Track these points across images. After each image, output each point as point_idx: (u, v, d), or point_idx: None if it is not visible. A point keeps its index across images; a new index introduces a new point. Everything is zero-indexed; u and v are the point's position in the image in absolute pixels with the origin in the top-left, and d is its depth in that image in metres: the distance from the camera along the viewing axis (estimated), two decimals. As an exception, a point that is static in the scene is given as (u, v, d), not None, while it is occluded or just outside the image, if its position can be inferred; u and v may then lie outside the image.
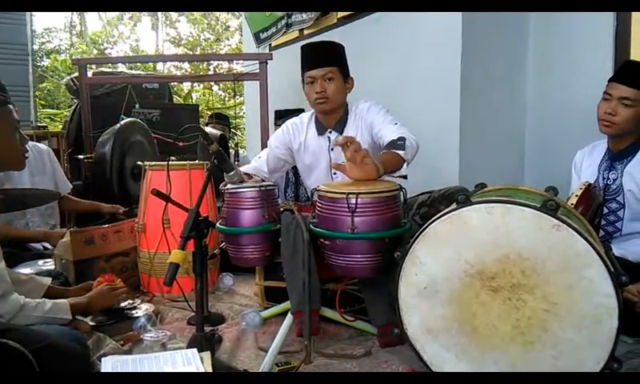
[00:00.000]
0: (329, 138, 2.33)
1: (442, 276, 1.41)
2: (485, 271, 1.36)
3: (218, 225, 1.98)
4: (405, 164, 1.94)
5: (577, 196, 1.98)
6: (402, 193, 1.77)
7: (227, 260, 2.11)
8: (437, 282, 1.42)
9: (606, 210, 2.23)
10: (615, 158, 2.23)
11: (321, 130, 2.34)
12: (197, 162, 2.91)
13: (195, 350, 1.42)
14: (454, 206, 1.41)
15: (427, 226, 1.43)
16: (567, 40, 2.92)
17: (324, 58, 2.24)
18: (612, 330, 1.25)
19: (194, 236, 1.70)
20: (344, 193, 1.65)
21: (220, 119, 5.03)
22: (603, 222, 2.23)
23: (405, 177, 1.95)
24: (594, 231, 1.58)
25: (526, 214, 1.32)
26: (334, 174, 2.32)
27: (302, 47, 2.32)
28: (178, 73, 12.66)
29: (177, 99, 9.23)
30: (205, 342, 1.65)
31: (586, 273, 1.26)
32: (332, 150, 2.32)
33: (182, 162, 2.75)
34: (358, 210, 1.64)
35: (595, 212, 2.09)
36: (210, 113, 5.77)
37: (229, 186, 1.98)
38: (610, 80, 2.17)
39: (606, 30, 2.71)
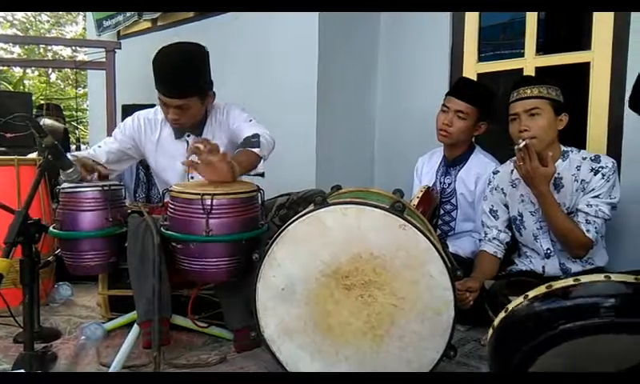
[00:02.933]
0: (187, 141, 2.19)
1: (300, 277, 1.43)
2: (339, 270, 1.41)
3: (51, 229, 1.77)
4: (262, 161, 1.92)
5: (418, 198, 2.17)
6: (259, 194, 1.75)
7: (65, 267, 1.89)
8: (294, 282, 1.43)
9: (441, 211, 2.48)
10: (450, 164, 2.48)
11: (178, 133, 2.19)
12: (28, 157, 2.56)
13: (22, 371, 1.26)
14: (311, 207, 1.43)
15: (286, 228, 1.44)
16: (411, 48, 3.15)
17: (178, 88, 1.95)
18: (449, 320, 1.38)
19: (22, 241, 1.54)
20: (199, 193, 1.58)
21: (55, 110, 4.54)
22: (440, 222, 2.48)
23: (262, 175, 1.93)
24: (433, 230, 1.73)
25: (377, 214, 1.39)
26: (192, 178, 2.21)
27: (154, 60, 1.97)
28: (7, 57, 11.11)
29: (5, 86, 8.13)
30: (35, 361, 1.50)
31: (428, 269, 1.37)
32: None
33: (9, 157, 2.41)
34: (213, 211, 1.58)
35: (433, 213, 2.32)
36: (44, 103, 5.14)
37: (65, 184, 1.77)
38: (448, 94, 2.42)
39: (443, 38, 2.99)
